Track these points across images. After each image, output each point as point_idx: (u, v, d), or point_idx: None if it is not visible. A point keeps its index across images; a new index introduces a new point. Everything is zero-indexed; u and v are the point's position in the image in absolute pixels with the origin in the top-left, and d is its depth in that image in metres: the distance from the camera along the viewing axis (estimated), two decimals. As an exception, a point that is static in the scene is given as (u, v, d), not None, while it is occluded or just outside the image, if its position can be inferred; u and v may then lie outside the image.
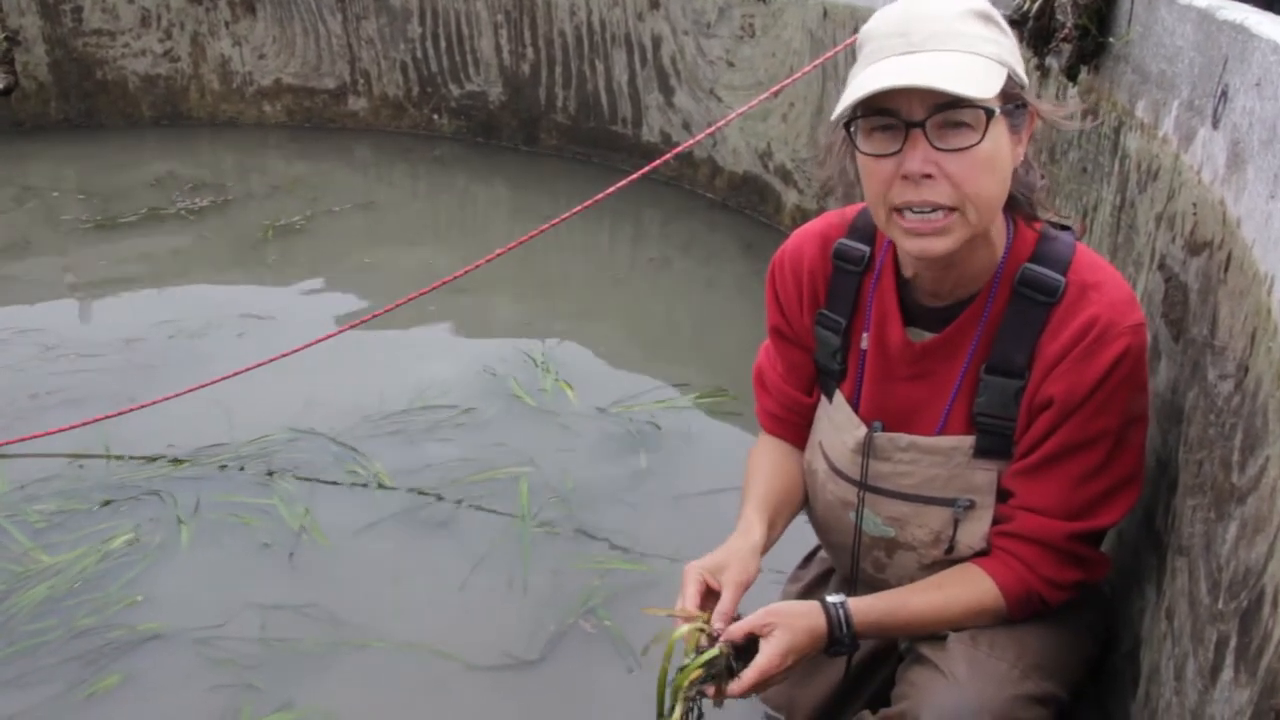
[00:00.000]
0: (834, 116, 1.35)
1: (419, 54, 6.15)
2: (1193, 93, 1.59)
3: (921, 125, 1.29)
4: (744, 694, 1.43)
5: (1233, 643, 1.07)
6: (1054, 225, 1.49)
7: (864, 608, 1.46)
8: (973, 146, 1.30)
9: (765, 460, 1.73)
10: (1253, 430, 1.12)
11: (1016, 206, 1.45)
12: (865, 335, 1.57)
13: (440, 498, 2.75)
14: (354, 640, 2.23)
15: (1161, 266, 1.63)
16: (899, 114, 1.30)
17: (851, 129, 1.36)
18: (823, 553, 1.88)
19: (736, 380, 1.73)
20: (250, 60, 6.44)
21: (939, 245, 1.35)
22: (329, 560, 2.51)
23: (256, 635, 2.24)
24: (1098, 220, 2.07)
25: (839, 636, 1.44)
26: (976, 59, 1.30)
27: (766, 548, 1.60)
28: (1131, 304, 1.41)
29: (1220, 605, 1.13)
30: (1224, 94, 1.42)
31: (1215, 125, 1.45)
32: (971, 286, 1.48)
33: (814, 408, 1.71)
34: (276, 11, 6.30)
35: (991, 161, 1.32)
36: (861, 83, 1.30)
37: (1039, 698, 1.43)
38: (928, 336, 1.51)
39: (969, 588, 1.48)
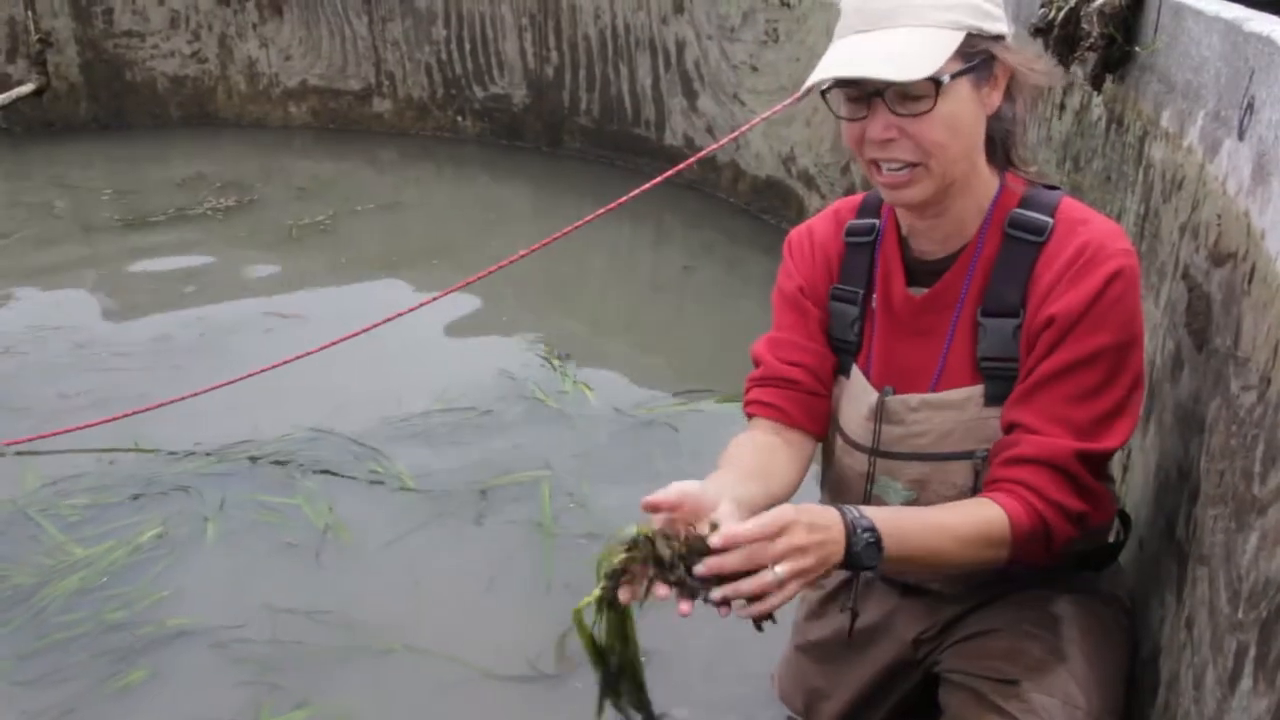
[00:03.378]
0: (804, 89, 1.45)
1: (444, 56, 6.19)
2: (1219, 103, 1.60)
3: (881, 94, 1.38)
4: (728, 552, 1.22)
5: (1252, 652, 1.08)
6: (1043, 186, 1.53)
7: (872, 509, 1.36)
8: (927, 112, 1.37)
9: (746, 439, 1.63)
10: (1275, 442, 1.12)
11: (995, 153, 1.50)
12: (874, 297, 1.60)
13: (461, 500, 2.78)
14: (374, 643, 2.25)
15: (1185, 276, 1.64)
16: (861, 84, 1.39)
17: (827, 95, 1.45)
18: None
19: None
20: (277, 62, 6.50)
21: (910, 194, 1.44)
22: (351, 560, 2.54)
23: (277, 634, 2.27)
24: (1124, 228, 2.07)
25: (854, 519, 1.31)
26: (925, 32, 1.37)
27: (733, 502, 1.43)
28: (1120, 234, 1.45)
29: (1240, 615, 1.14)
30: (1250, 106, 1.43)
31: (1241, 137, 1.45)
32: (963, 237, 1.52)
33: (829, 370, 1.66)
34: (303, 13, 6.35)
35: (949, 120, 1.39)
36: (821, 65, 1.40)
37: None
38: (926, 291, 1.55)
39: (979, 510, 1.42)
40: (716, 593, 1.22)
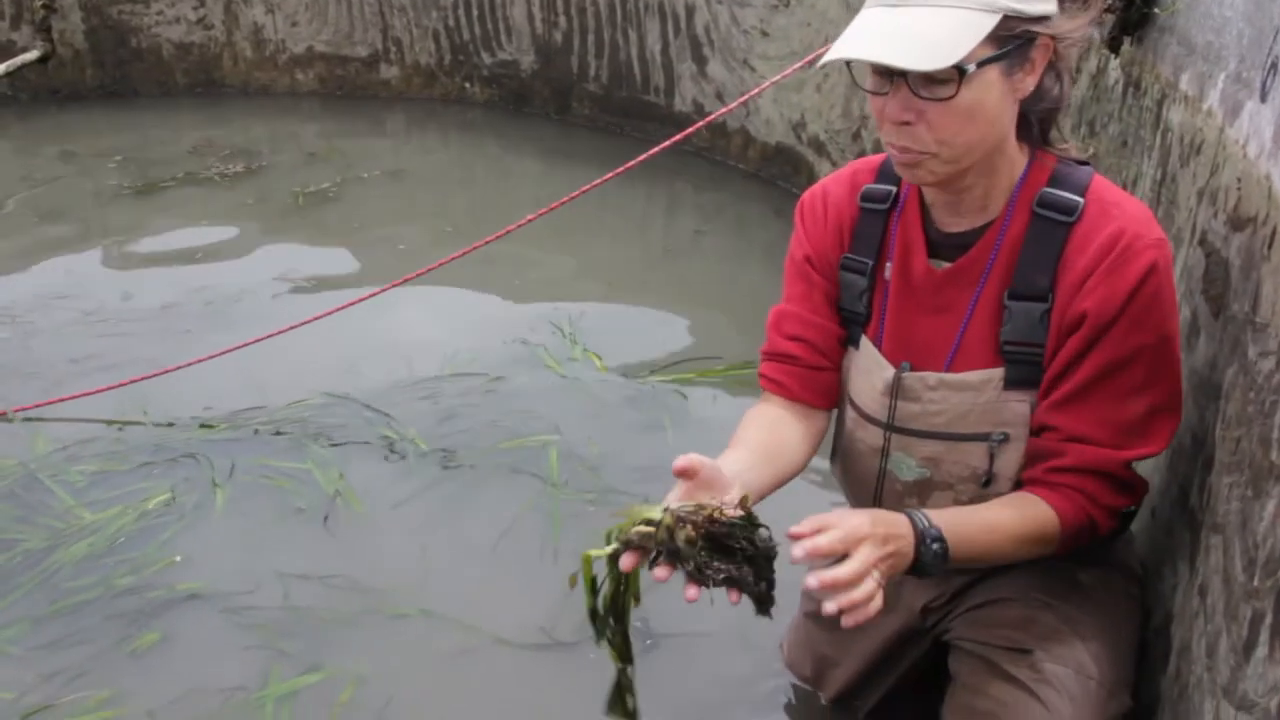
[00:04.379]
0: (822, 61, 1.39)
1: (451, 22, 6.13)
2: (1240, 65, 1.56)
3: (904, 74, 1.33)
4: (828, 558, 1.22)
5: (1268, 619, 1.07)
6: (1073, 160, 1.48)
7: (932, 512, 1.37)
8: (950, 98, 1.32)
9: (757, 415, 1.64)
10: (1293, 407, 1.11)
11: (1029, 131, 1.45)
12: (889, 265, 1.56)
13: (470, 466, 2.77)
14: (384, 607, 2.26)
15: (1202, 242, 1.62)
16: (882, 63, 1.33)
17: (852, 62, 1.38)
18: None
19: (759, 352, 1.70)
20: (283, 28, 6.44)
21: (920, 175, 1.41)
22: (361, 526, 2.54)
23: (287, 599, 2.28)
24: (1137, 194, 2.05)
25: (924, 527, 1.33)
26: (957, 13, 1.30)
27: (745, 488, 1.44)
28: (1152, 221, 1.41)
29: (1255, 583, 1.13)
30: (1274, 67, 1.40)
31: (1264, 99, 1.43)
32: (989, 213, 1.48)
33: (840, 347, 1.65)
34: (310, -22, 6.29)
35: (971, 110, 1.34)
36: (844, 37, 1.35)
37: (1121, 715, 1.43)
38: (948, 265, 1.51)
39: (1031, 511, 1.43)
40: (831, 605, 1.21)
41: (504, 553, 2.44)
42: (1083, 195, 1.42)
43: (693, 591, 1.23)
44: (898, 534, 1.30)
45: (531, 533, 2.50)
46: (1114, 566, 1.61)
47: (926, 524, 1.32)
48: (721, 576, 1.23)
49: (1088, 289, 1.38)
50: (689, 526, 1.21)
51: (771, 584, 1.26)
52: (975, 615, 1.59)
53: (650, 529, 1.23)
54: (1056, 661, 1.42)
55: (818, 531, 1.23)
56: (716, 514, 1.23)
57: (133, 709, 1.97)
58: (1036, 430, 1.46)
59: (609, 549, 1.27)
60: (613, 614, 1.33)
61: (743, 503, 1.26)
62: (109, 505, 2.58)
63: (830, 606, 1.21)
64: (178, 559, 2.40)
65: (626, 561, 1.25)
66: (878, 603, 1.23)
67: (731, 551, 1.22)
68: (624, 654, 1.37)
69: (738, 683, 2.03)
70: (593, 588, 1.31)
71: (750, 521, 1.25)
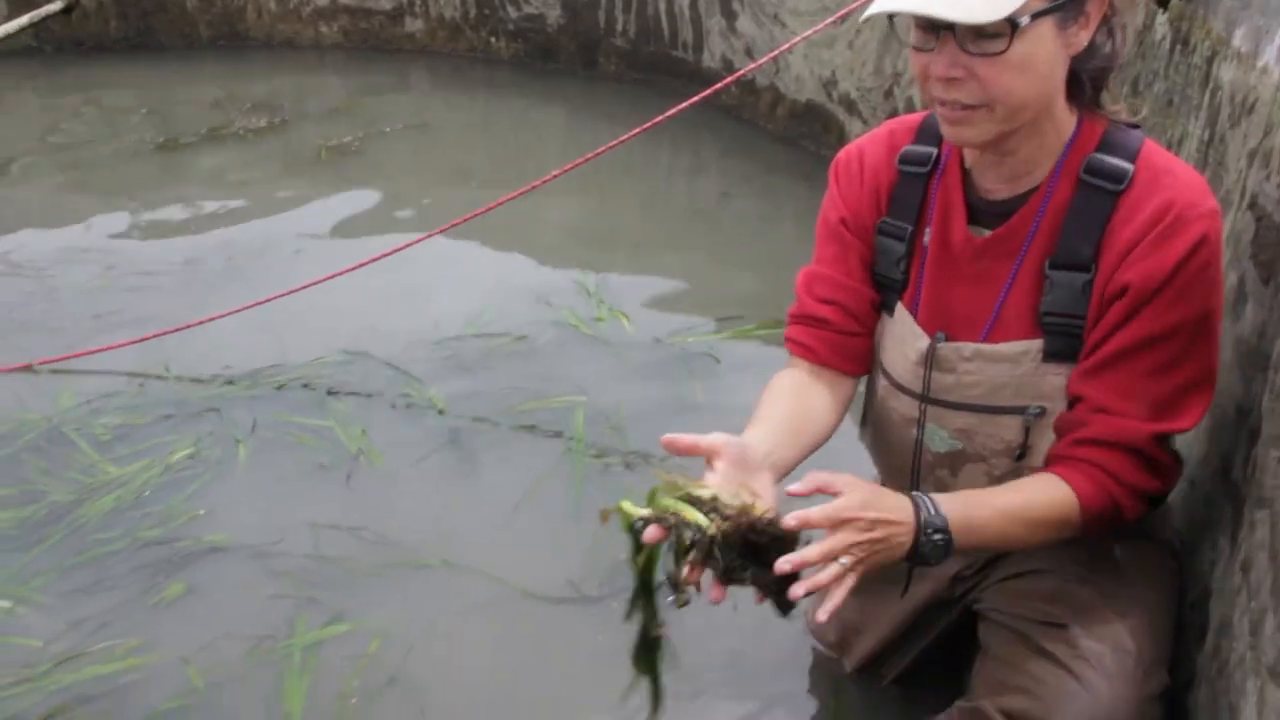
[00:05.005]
0: (868, 14, 1.33)
1: (477, -25, 6.05)
2: (1300, 20, 1.50)
3: (952, 27, 1.27)
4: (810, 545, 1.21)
5: (1319, 598, 1.03)
6: (1124, 124, 1.42)
7: (945, 496, 1.34)
8: (1001, 53, 1.26)
9: (782, 383, 1.60)
10: (1352, 379, 1.07)
11: (1080, 92, 1.39)
12: (928, 231, 1.50)
13: (494, 424, 2.76)
14: (408, 560, 2.25)
15: (1253, 205, 1.56)
16: (931, 15, 1.27)
17: (894, 17, 1.33)
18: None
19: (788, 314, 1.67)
20: (307, -21, 6.37)
21: (968, 134, 1.35)
22: (383, 482, 2.54)
23: (311, 552, 2.27)
24: (1182, 156, 1.98)
25: (928, 517, 1.29)
26: None
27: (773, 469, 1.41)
28: (1206, 191, 1.35)
29: (1306, 559, 1.09)
30: (1337, 21, 1.34)
31: (1325, 55, 1.37)
32: (1033, 178, 1.42)
33: (873, 313, 1.61)
34: (334, -71, 6.22)
35: (1022, 65, 1.28)
36: None
37: (1159, 694, 1.39)
38: (988, 233, 1.46)
39: (1049, 493, 1.38)
40: (798, 588, 1.21)
41: (528, 510, 2.43)
42: (1133, 162, 1.36)
43: (717, 593, 1.23)
44: (892, 520, 1.26)
45: (556, 491, 2.49)
46: (1150, 540, 1.57)
47: (932, 513, 1.29)
48: (749, 579, 1.22)
49: (1132, 259, 1.33)
50: (729, 526, 1.20)
51: (782, 599, 1.26)
52: (1007, 586, 1.55)
53: (690, 523, 1.21)
54: (1093, 638, 1.39)
55: (817, 491, 1.23)
56: (758, 522, 1.21)
57: (160, 657, 1.99)
58: (1070, 401, 1.41)
59: (642, 512, 1.24)
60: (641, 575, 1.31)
61: (775, 523, 1.23)
62: (133, 459, 2.58)
63: (797, 590, 1.21)
64: (202, 512, 2.40)
65: (650, 534, 1.23)
66: (846, 586, 1.22)
67: (764, 558, 1.21)
68: (649, 615, 1.35)
69: (760, 649, 2.01)
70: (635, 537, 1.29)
71: (789, 539, 1.23)
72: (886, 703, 1.86)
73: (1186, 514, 1.68)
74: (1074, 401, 1.41)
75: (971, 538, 1.33)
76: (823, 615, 1.25)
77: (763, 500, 1.26)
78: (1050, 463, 1.42)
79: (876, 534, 1.24)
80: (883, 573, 1.73)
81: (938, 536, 1.28)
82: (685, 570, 1.22)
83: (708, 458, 1.31)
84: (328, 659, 1.99)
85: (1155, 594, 1.50)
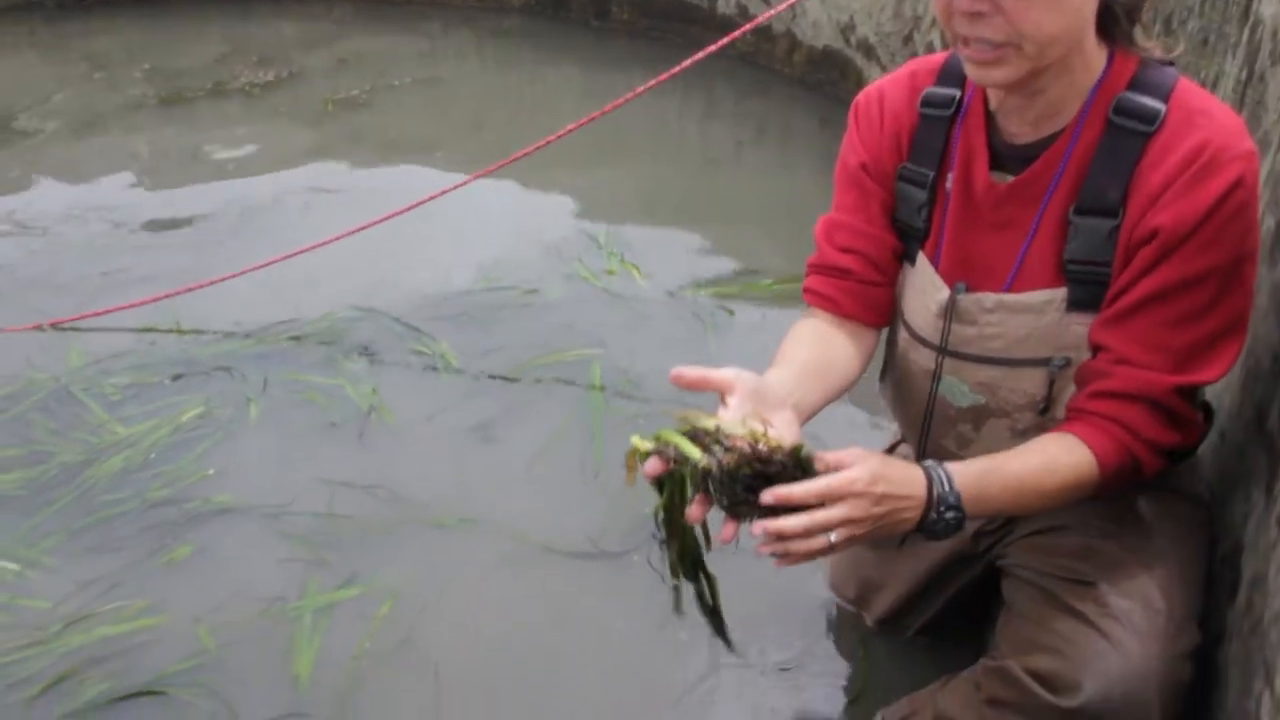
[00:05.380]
0: None
1: (485, -78, 5.91)
2: (1349, -53, 1.42)
3: None
4: (803, 509, 1.15)
5: (1366, 555, 0.98)
6: (1157, 61, 1.34)
7: (960, 465, 1.28)
8: None
9: (804, 330, 1.55)
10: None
11: (1113, 26, 1.31)
12: (950, 177, 1.44)
13: (507, 379, 2.72)
14: (422, 517, 2.23)
15: (1294, 146, 1.49)
16: None
17: None
18: (902, 448, 1.80)
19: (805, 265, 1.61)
20: (313, -71, 6.25)
21: (996, 75, 1.28)
22: (396, 440, 2.50)
23: (324, 512, 2.25)
24: (1217, 95, 1.90)
25: (941, 493, 1.24)
26: None
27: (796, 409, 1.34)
28: (1243, 132, 1.27)
29: (1351, 514, 1.04)
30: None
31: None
32: (1059, 120, 1.35)
33: (896, 261, 1.55)
34: (339, -123, 6.08)
35: None
36: None
37: (1191, 651, 1.34)
38: (1011, 179, 1.40)
39: (1066, 458, 1.32)
40: (756, 526, 1.16)
41: (545, 466, 2.40)
42: (1165, 101, 1.29)
43: (729, 530, 1.18)
44: (900, 494, 1.21)
45: (572, 447, 2.45)
46: (1178, 492, 1.52)
47: (945, 489, 1.24)
48: (758, 516, 1.16)
49: (1163, 203, 1.26)
50: (732, 458, 1.13)
51: None
52: (1032, 542, 1.51)
53: (686, 452, 1.15)
54: (1122, 595, 1.34)
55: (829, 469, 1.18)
56: (769, 451, 1.14)
57: (170, 618, 1.97)
58: (1092, 350, 1.36)
59: (645, 445, 1.20)
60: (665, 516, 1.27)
61: (794, 451, 1.16)
62: (143, 419, 2.56)
63: (763, 549, 1.17)
64: (211, 472, 2.38)
65: (650, 467, 1.19)
66: (817, 545, 1.17)
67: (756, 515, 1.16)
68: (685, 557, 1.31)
69: (778, 603, 1.97)
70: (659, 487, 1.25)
71: (801, 464, 1.16)
72: (912, 654, 1.83)
73: (1218, 466, 1.63)
74: (1095, 350, 1.35)
75: (984, 509, 1.29)
76: (764, 549, 1.19)
77: (777, 431, 1.21)
78: (1067, 418, 1.37)
79: (881, 509, 1.19)
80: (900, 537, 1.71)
81: (950, 514, 1.24)
82: (693, 507, 1.18)
83: (721, 393, 1.25)
84: (340, 620, 1.97)
85: (1185, 548, 1.45)
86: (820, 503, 1.15)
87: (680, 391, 1.29)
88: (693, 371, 1.24)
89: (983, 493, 1.27)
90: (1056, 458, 1.32)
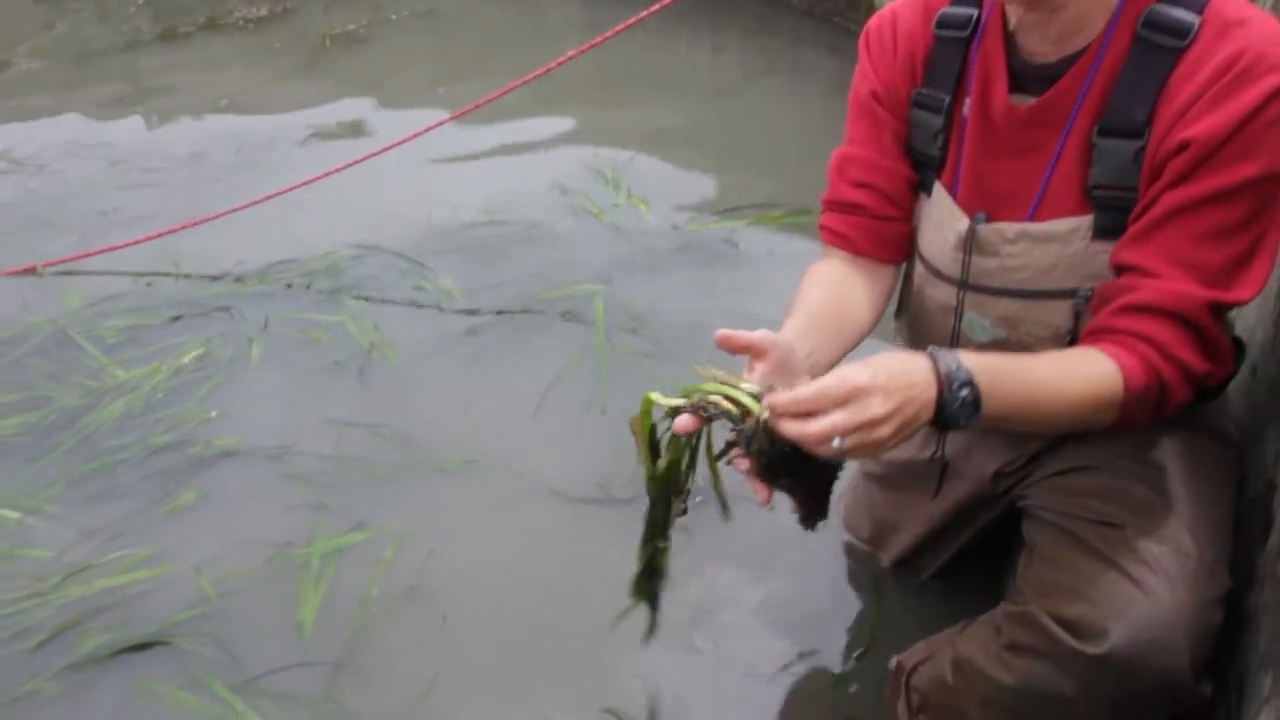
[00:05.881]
0: None
1: None
2: None
3: None
4: (799, 411, 1.07)
5: None
6: None
7: (974, 355, 1.16)
8: None
9: (820, 274, 1.48)
10: None
11: None
12: (967, 101, 1.37)
13: (511, 317, 2.66)
14: (426, 460, 2.19)
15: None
16: None
17: None
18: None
19: (819, 200, 1.55)
20: None
21: None
22: (400, 379, 2.46)
23: (328, 454, 2.21)
24: (1258, 5, 1.80)
25: (950, 369, 1.12)
26: None
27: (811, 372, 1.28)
28: None
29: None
30: None
31: None
32: (1083, 37, 1.27)
33: (912, 194, 1.48)
34: None
35: None
36: None
37: (1221, 597, 1.27)
38: (1033, 100, 1.32)
39: (1090, 366, 1.22)
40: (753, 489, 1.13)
41: (550, 405, 2.35)
42: (1199, 14, 1.20)
43: (765, 494, 1.14)
44: (908, 384, 1.09)
45: (577, 386, 2.40)
46: (1206, 431, 1.45)
47: (953, 365, 1.12)
48: (786, 482, 1.13)
49: (1193, 115, 1.18)
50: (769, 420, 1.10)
51: (829, 499, 1.19)
52: (1056, 483, 1.45)
53: (736, 406, 1.11)
54: (1152, 539, 1.28)
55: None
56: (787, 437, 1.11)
57: (173, 567, 1.94)
58: (1115, 272, 1.28)
59: (674, 400, 1.16)
60: (668, 478, 1.24)
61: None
62: (143, 362, 2.52)
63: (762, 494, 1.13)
64: (213, 415, 2.34)
65: (682, 423, 1.14)
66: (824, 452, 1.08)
67: (802, 457, 1.10)
68: (660, 525, 1.28)
69: (790, 542, 1.94)
70: (652, 439, 1.22)
71: (820, 463, 1.14)
72: (926, 598, 1.80)
73: (1248, 403, 1.57)
74: (1119, 271, 1.27)
75: (1001, 403, 1.16)
76: (760, 496, 1.14)
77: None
78: (1089, 338, 1.28)
79: (894, 403, 1.08)
80: (919, 470, 1.66)
81: (965, 392, 1.12)
82: (733, 456, 1.14)
83: (752, 357, 1.20)
84: (345, 566, 1.94)
85: (1214, 489, 1.40)
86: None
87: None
88: (740, 338, 1.18)
89: (995, 379, 1.15)
90: (1079, 364, 1.23)
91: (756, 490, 1.14)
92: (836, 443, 1.06)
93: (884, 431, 1.08)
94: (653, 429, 1.22)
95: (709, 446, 1.22)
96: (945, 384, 1.12)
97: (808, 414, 1.06)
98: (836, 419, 1.06)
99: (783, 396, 1.08)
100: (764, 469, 1.12)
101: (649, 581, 1.36)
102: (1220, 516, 1.36)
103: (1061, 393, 1.20)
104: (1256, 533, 1.39)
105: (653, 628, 1.52)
